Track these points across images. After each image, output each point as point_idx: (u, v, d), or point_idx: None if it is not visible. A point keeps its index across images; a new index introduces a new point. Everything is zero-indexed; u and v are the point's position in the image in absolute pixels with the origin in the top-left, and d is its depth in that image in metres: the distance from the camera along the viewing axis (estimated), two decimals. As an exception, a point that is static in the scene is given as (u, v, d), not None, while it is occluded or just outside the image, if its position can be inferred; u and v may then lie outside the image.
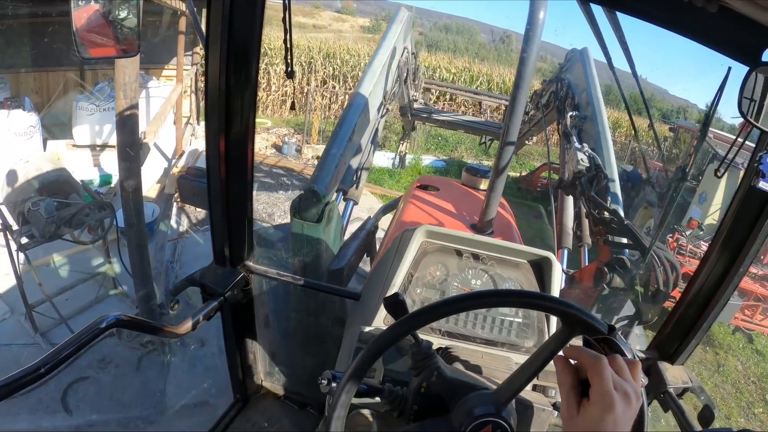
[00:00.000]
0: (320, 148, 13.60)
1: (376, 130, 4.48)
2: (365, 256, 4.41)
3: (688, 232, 11.40)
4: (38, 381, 1.53)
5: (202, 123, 6.92)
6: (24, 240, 6.13)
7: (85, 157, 10.01)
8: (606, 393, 1.07)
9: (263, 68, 21.34)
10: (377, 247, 4.88)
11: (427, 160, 18.75)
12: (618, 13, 2.74)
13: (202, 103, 13.41)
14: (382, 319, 2.05)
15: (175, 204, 9.79)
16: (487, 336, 2.05)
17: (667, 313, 2.51)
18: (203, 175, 2.78)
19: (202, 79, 7.21)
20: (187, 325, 2.23)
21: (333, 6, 40.07)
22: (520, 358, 1.97)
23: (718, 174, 2.16)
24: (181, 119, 12.05)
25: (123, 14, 1.92)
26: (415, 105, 8.32)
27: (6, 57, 10.68)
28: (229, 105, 2.05)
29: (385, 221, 5.13)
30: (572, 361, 1.20)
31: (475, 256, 2.20)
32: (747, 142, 1.90)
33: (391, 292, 2.06)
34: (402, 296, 1.40)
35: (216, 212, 2.35)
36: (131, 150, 5.20)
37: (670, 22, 1.63)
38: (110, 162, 9.66)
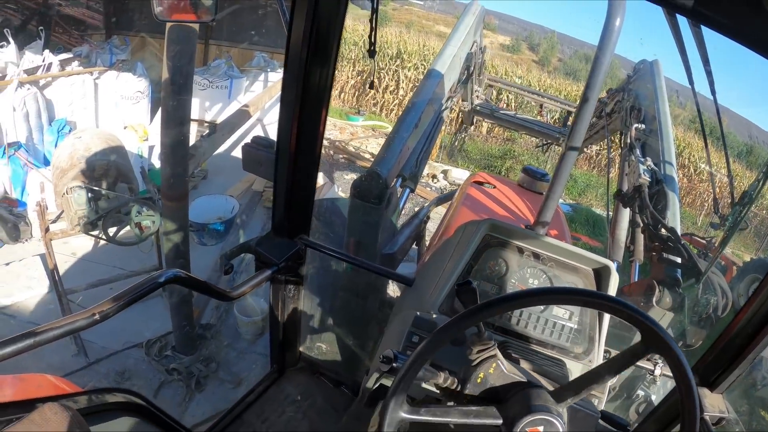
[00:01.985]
0: (437, 166, 13.38)
1: (440, 120, 4.47)
2: (413, 244, 4.42)
3: None
4: (91, 326, 1.55)
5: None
6: (54, 227, 5.66)
7: (191, 130, 9.54)
8: None
9: (393, 70, 21.00)
10: (426, 236, 4.90)
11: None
12: (703, 30, 2.69)
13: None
14: (437, 306, 2.06)
15: (261, 203, 9.14)
16: (539, 336, 2.05)
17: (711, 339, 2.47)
18: (269, 146, 2.81)
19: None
20: (241, 290, 2.26)
21: (475, 19, 39.72)
22: (570, 363, 1.98)
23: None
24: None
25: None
26: (477, 101, 8.29)
27: (135, 20, 10.86)
28: (307, 79, 2.07)
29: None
30: None
31: (536, 255, 2.20)
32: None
33: (450, 281, 2.08)
34: (474, 284, 1.41)
35: (280, 182, 2.38)
36: (178, 147, 4.46)
37: (762, 46, 1.59)
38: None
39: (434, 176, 13.01)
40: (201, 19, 2.19)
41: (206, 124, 9.98)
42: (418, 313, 2.02)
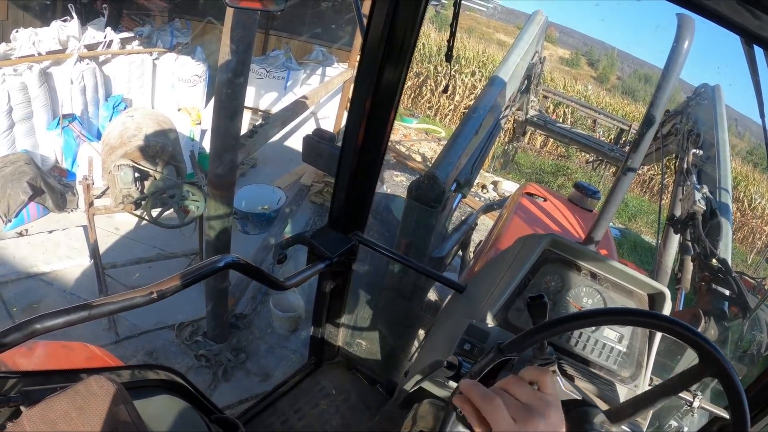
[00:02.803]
0: (488, 176, 13.31)
1: (498, 127, 4.45)
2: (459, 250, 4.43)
3: None
4: (148, 304, 1.57)
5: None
6: (98, 203, 5.60)
7: (245, 118, 8.90)
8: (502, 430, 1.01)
9: (451, 75, 20.55)
10: (471, 243, 4.90)
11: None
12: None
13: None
14: (491, 318, 2.04)
15: (308, 197, 9.02)
16: (587, 356, 2.02)
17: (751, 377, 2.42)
18: (330, 139, 2.83)
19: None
20: (294, 280, 2.28)
21: (536, 30, 39.60)
22: (617, 387, 1.95)
23: None
24: (346, 104, 11.18)
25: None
26: (531, 112, 8.25)
27: (198, 4, 11.05)
28: (380, 79, 2.10)
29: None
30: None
31: (593, 275, 2.17)
32: None
33: (506, 292, 2.07)
34: (546, 299, 1.40)
35: (342, 177, 2.40)
36: (229, 135, 4.26)
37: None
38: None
39: (484, 186, 12.91)
40: (268, 7, 2.20)
41: (260, 113, 10.06)
42: (474, 321, 2.01)
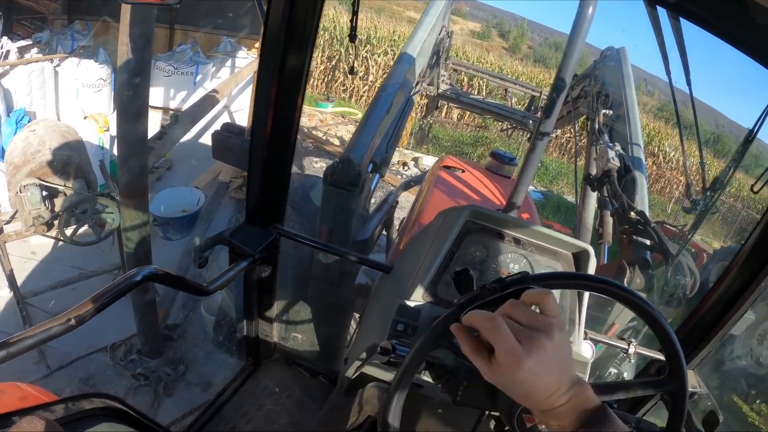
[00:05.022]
0: (408, 153, 13.46)
1: (410, 104, 4.46)
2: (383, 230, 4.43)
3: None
4: (67, 332, 1.48)
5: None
6: (9, 228, 5.38)
7: (155, 119, 8.97)
8: (506, 352, 1.01)
9: (363, 56, 20.83)
10: (394, 221, 4.92)
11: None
12: (682, 22, 2.73)
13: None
14: (421, 295, 2.04)
15: (228, 194, 8.84)
16: None
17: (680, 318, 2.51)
18: (240, 133, 2.76)
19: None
20: (217, 284, 2.21)
21: (444, 6, 40.11)
22: None
23: (755, 189, 2.16)
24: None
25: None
26: (442, 86, 8.30)
27: (96, 4, 10.42)
28: (284, 66, 2.06)
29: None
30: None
31: (516, 241, 2.19)
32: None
33: (432, 268, 2.07)
34: (471, 272, 1.39)
35: (255, 170, 2.34)
36: (135, 141, 4.03)
37: (736, 39, 1.59)
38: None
39: (405, 164, 13.04)
40: (167, 1, 2.13)
41: (171, 113, 9.77)
42: (404, 301, 2.00)
